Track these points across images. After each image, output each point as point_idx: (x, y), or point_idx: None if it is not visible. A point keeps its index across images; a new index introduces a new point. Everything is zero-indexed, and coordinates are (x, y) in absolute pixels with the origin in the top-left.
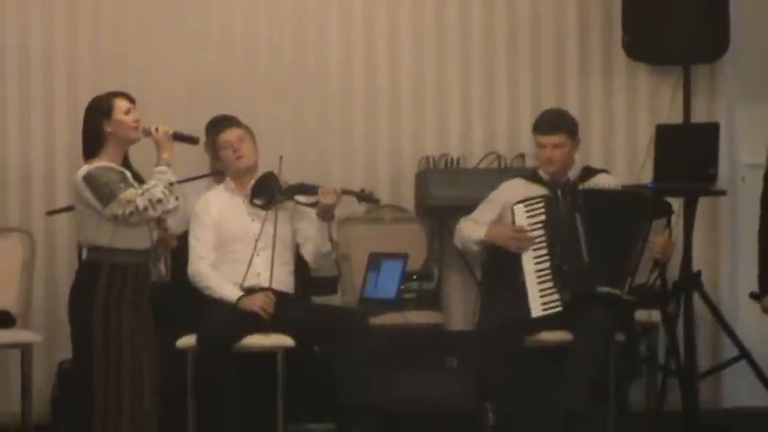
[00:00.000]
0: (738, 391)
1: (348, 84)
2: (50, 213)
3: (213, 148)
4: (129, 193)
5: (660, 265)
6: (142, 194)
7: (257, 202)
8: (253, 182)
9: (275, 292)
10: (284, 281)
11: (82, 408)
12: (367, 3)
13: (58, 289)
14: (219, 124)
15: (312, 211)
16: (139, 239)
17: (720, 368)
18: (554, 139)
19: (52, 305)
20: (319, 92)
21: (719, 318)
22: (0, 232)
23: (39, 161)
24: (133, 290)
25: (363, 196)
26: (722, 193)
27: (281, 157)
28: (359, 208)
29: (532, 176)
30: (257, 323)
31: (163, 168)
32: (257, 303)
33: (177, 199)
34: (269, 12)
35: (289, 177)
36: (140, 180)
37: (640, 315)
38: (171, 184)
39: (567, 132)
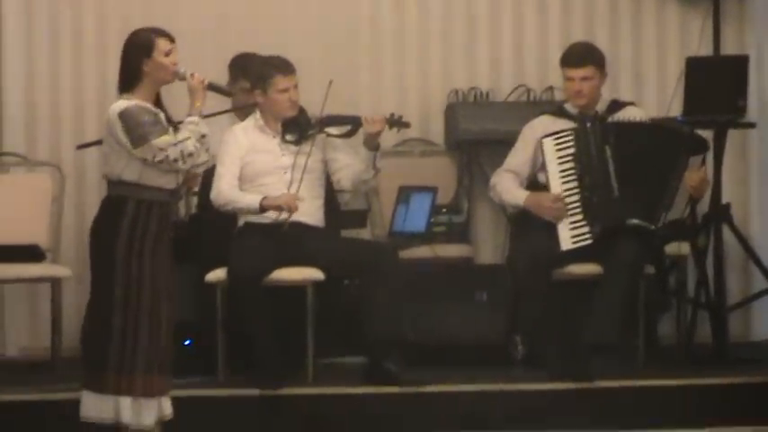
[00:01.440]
0: None
1: (377, 19)
2: (80, 147)
3: (258, 83)
4: (161, 141)
5: (694, 201)
6: (175, 145)
7: (289, 138)
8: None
9: (304, 225)
10: (314, 214)
11: (99, 337)
12: None
13: (88, 223)
14: (273, 65)
15: (343, 141)
16: (166, 179)
17: (750, 300)
18: (582, 71)
19: (82, 240)
20: (348, 28)
21: (749, 250)
22: (29, 166)
23: (67, 95)
24: (157, 227)
25: (393, 121)
26: (752, 125)
27: (330, 81)
28: (388, 140)
29: (559, 112)
30: (287, 256)
31: (195, 119)
32: (281, 200)
33: (208, 151)
34: None
35: (319, 112)
36: (172, 122)
37: (670, 248)
38: (203, 136)
39: (595, 65)
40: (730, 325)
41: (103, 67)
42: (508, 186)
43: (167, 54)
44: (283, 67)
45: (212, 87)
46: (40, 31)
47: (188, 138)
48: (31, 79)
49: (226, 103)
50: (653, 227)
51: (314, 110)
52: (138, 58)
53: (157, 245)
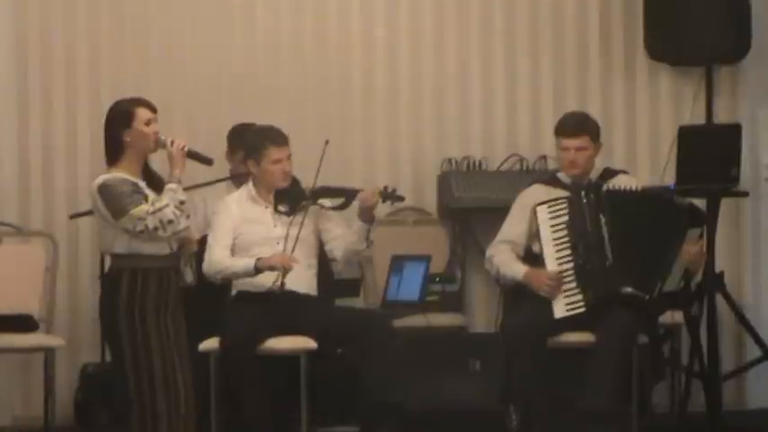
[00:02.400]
0: (762, 392)
1: (370, 86)
2: (73, 217)
3: (251, 153)
4: (139, 210)
5: (691, 274)
6: (153, 213)
7: (281, 209)
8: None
9: (297, 294)
10: (307, 283)
11: (123, 415)
12: (389, 8)
13: (81, 292)
14: (267, 138)
15: (336, 213)
16: (159, 245)
17: (744, 369)
18: (577, 142)
19: (75, 309)
20: (341, 94)
21: (742, 319)
22: (23, 236)
23: (61, 165)
24: (156, 294)
25: (387, 194)
26: (744, 194)
27: (326, 142)
28: (381, 210)
29: (552, 180)
30: (280, 325)
31: (173, 186)
32: (276, 259)
33: (188, 218)
34: (291, 14)
35: (312, 178)
36: (162, 185)
37: (663, 316)
38: (181, 202)
39: (590, 135)
40: (724, 394)
41: (97, 137)
42: (505, 259)
43: (147, 123)
44: (277, 138)
45: (192, 155)
46: (33, 101)
47: (166, 205)
48: (24, 149)
49: (223, 171)
50: (647, 296)
51: (308, 177)
52: (118, 129)
53: (161, 312)
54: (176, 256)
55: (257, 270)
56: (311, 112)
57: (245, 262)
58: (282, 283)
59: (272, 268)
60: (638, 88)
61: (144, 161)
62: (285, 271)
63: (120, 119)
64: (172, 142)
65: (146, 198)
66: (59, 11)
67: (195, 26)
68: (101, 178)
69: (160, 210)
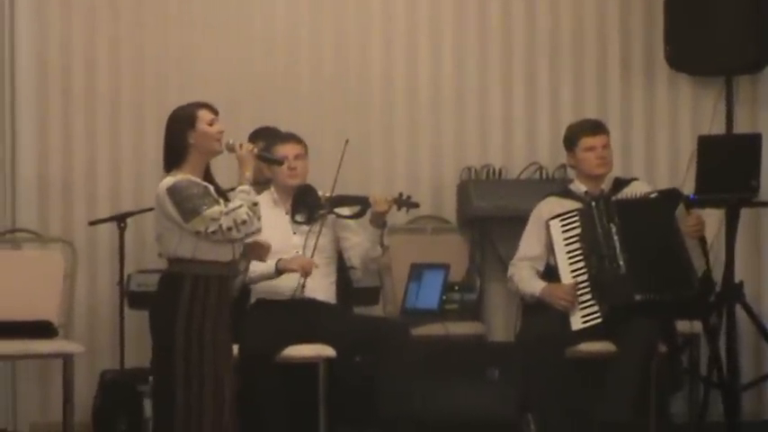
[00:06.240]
0: None
1: (390, 95)
2: (93, 223)
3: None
4: (213, 211)
5: (703, 241)
6: (227, 214)
7: (299, 218)
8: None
9: (316, 302)
10: (326, 291)
11: (162, 420)
12: (409, 14)
13: (100, 299)
14: (277, 136)
15: (353, 222)
16: (222, 252)
17: (763, 380)
18: (603, 138)
19: (94, 315)
20: (361, 103)
21: (762, 329)
22: (42, 242)
23: (80, 171)
24: (216, 302)
25: (401, 201)
26: (765, 204)
27: (346, 141)
28: (400, 218)
29: (565, 192)
30: (299, 333)
31: (246, 188)
32: (297, 262)
33: (260, 220)
34: (311, 24)
35: (331, 183)
36: (222, 193)
37: (682, 326)
38: (255, 204)
39: (608, 134)
40: (743, 404)
41: (116, 144)
42: (525, 276)
43: (210, 124)
44: (284, 136)
45: (262, 157)
46: (54, 107)
47: (240, 206)
48: (44, 155)
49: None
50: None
51: (327, 182)
52: (182, 131)
53: (218, 320)
54: (238, 263)
55: (278, 271)
56: (331, 120)
57: (266, 264)
58: (303, 286)
59: (292, 270)
60: (657, 98)
61: (206, 165)
62: (306, 274)
63: (183, 121)
64: (241, 145)
65: (216, 201)
66: (80, 16)
67: (214, 38)
68: (169, 180)
69: (234, 210)
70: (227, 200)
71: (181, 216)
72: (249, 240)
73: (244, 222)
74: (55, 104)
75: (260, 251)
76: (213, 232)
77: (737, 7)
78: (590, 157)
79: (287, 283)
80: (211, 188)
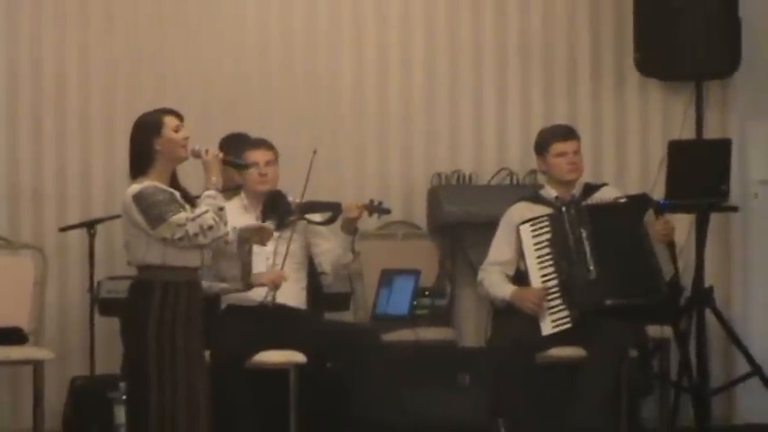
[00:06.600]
0: (751, 407)
1: (360, 101)
2: (63, 230)
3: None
4: (179, 217)
5: (672, 246)
6: (193, 220)
7: (269, 224)
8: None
9: (287, 308)
10: (297, 297)
11: (136, 427)
12: (379, 19)
13: (70, 305)
14: (247, 142)
15: (324, 228)
16: (191, 258)
17: (733, 384)
18: (575, 144)
19: (64, 322)
20: (331, 109)
21: (731, 334)
22: (12, 249)
23: (50, 177)
24: (186, 307)
25: (372, 207)
26: (734, 209)
27: (314, 152)
28: (371, 223)
29: (535, 198)
30: (270, 339)
31: (212, 193)
32: (266, 277)
33: (226, 225)
34: (281, 30)
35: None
36: (190, 199)
37: (653, 331)
38: (221, 209)
39: (579, 140)
40: (713, 408)
41: (86, 150)
42: (495, 281)
43: (176, 130)
44: (255, 142)
45: (227, 162)
46: (23, 113)
47: (206, 211)
48: (13, 162)
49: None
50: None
51: (297, 188)
52: (148, 138)
53: (189, 326)
54: (202, 269)
55: (248, 286)
56: (301, 126)
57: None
58: (273, 298)
59: (262, 285)
60: (627, 103)
61: (172, 171)
62: (275, 288)
63: (149, 128)
64: (207, 150)
65: (183, 207)
66: (50, 23)
67: (186, 45)
68: (135, 187)
69: (200, 216)
70: (194, 206)
71: (147, 223)
72: (253, 225)
73: (210, 228)
74: (25, 111)
75: (262, 234)
76: (180, 239)
77: (707, 12)
78: (561, 162)
79: (257, 290)
80: (177, 194)
